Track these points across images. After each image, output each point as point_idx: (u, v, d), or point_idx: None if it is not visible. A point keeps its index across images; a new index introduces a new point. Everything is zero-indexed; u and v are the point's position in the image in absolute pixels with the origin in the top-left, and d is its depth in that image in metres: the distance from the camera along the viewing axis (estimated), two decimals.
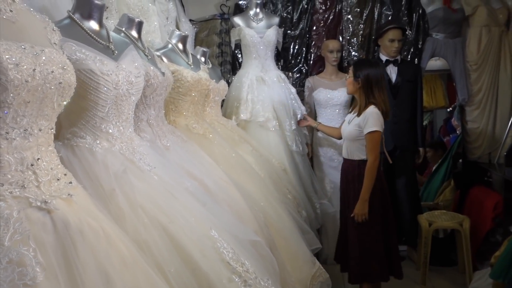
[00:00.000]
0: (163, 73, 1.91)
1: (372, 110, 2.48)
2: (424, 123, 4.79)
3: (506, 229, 3.05)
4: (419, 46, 3.71)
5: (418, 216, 3.37)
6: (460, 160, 3.87)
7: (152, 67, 1.81)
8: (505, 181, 3.08)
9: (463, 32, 3.70)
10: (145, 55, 1.86)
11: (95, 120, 1.42)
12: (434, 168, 4.30)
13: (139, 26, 1.89)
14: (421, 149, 3.54)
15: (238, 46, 3.52)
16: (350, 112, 2.70)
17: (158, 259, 1.30)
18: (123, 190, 1.36)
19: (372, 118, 2.46)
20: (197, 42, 3.59)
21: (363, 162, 2.53)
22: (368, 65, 2.57)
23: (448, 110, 4.65)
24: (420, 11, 3.68)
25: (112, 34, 1.59)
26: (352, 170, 2.57)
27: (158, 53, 2.22)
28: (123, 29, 1.83)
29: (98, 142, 1.41)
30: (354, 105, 2.72)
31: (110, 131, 1.45)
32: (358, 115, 2.53)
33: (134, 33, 1.86)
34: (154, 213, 1.39)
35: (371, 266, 2.48)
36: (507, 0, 3.63)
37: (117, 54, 1.52)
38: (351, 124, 2.57)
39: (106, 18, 2.06)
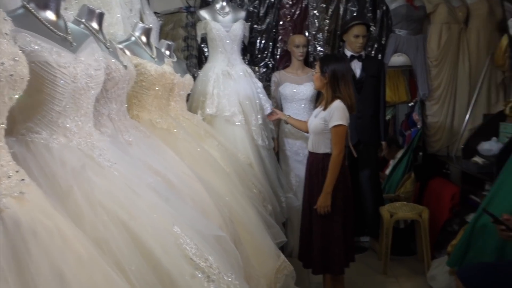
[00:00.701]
0: (125, 66, 1.86)
1: (337, 104, 2.52)
2: (387, 118, 4.91)
3: (462, 218, 3.17)
4: (383, 42, 3.79)
5: (380, 207, 3.46)
6: (421, 153, 3.99)
7: (113, 60, 1.77)
8: (462, 173, 3.20)
9: (425, 29, 3.80)
10: (106, 47, 1.81)
11: (52, 115, 1.37)
12: (395, 161, 4.42)
13: (100, 18, 1.83)
14: (383, 143, 3.62)
15: (204, 40, 3.48)
16: (317, 107, 2.73)
17: (118, 257, 1.27)
18: (81, 187, 1.33)
19: (337, 112, 2.50)
20: (162, 35, 3.52)
21: (327, 156, 2.57)
22: (334, 60, 2.60)
23: (410, 104, 4.78)
24: (384, 8, 3.75)
25: (70, 25, 1.53)
26: (316, 164, 2.61)
27: (120, 46, 2.16)
28: (83, 20, 1.77)
29: (54, 137, 1.36)
30: (321, 99, 2.75)
31: (68, 126, 1.40)
32: (324, 109, 2.57)
33: (94, 24, 1.81)
34: (114, 210, 1.36)
35: (333, 258, 2.54)
36: None
37: (76, 46, 1.47)
38: (317, 118, 2.61)
39: (65, 9, 1.98)
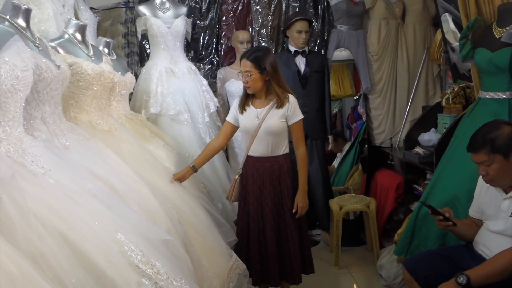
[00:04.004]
0: (58, 66, 1.75)
1: (293, 98, 2.42)
2: (334, 111, 5.03)
3: (407, 207, 3.29)
4: (325, 38, 3.84)
5: (330, 201, 3.52)
6: (366, 146, 4.11)
7: (44, 60, 1.65)
8: (405, 163, 3.32)
9: (365, 24, 3.90)
10: (36, 46, 1.69)
11: None
12: (342, 154, 4.53)
13: (27, 14, 1.70)
14: (330, 137, 3.69)
15: (145, 36, 3.37)
16: (257, 107, 2.43)
17: (57, 271, 1.20)
18: (11, 197, 1.22)
19: (297, 106, 2.42)
20: (101, 32, 3.36)
21: (287, 156, 2.48)
22: (266, 54, 2.39)
23: (355, 98, 4.91)
24: (325, 4, 3.81)
25: None
26: (278, 168, 2.43)
27: (52, 44, 2.04)
28: (7, 17, 1.64)
29: None
30: (258, 99, 2.45)
31: None
32: (280, 106, 2.38)
33: (20, 21, 1.67)
34: (51, 221, 1.27)
35: (309, 260, 2.54)
36: None
37: None
38: (273, 118, 2.38)
39: None
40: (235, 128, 2.54)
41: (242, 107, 2.47)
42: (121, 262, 1.34)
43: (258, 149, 2.45)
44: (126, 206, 1.66)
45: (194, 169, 2.48)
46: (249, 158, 2.50)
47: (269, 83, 2.41)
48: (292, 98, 2.42)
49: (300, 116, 2.42)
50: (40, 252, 1.20)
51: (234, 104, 2.55)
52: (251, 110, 2.45)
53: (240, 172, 2.55)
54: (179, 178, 2.39)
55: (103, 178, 1.75)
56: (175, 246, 1.64)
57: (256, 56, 2.38)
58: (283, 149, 2.47)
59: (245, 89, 2.48)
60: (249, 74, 2.37)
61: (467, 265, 1.89)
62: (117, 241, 1.38)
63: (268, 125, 2.39)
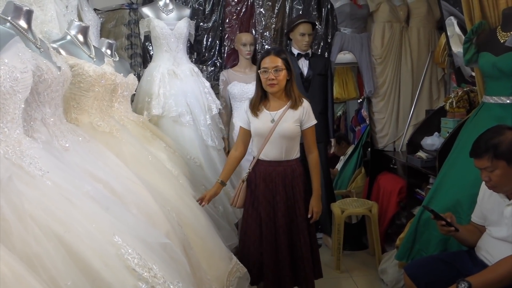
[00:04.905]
0: (59, 68, 1.75)
1: (307, 102, 2.38)
2: (338, 114, 5.01)
3: (409, 212, 3.27)
4: (329, 40, 3.83)
5: (332, 204, 3.50)
6: (369, 149, 4.09)
7: (45, 61, 1.65)
8: (408, 167, 3.30)
9: (368, 27, 3.89)
10: (37, 47, 1.69)
11: None
12: (345, 158, 4.51)
13: (28, 15, 1.70)
14: (332, 140, 3.67)
15: (148, 38, 3.37)
16: (269, 111, 2.36)
17: (52, 273, 1.19)
18: (8, 199, 1.22)
19: (311, 111, 2.38)
20: (104, 33, 3.37)
21: (298, 160, 2.42)
22: (287, 53, 2.41)
23: (359, 101, 4.89)
24: (329, 6, 3.80)
25: None
26: (291, 172, 2.38)
27: (54, 45, 2.04)
28: (9, 18, 1.64)
29: None
30: (268, 102, 2.39)
31: None
32: (295, 108, 2.34)
33: (22, 23, 1.68)
34: (47, 223, 1.27)
35: (318, 264, 2.53)
36: None
37: None
38: (288, 122, 2.32)
39: None
40: (249, 132, 2.46)
41: (256, 109, 2.38)
42: (117, 265, 1.33)
43: (270, 153, 2.37)
44: (124, 209, 1.65)
45: (223, 183, 2.46)
46: (260, 162, 2.41)
47: (290, 83, 2.36)
48: (306, 103, 2.38)
49: (314, 121, 2.39)
50: (35, 254, 1.20)
51: (245, 108, 2.46)
52: (265, 113, 2.37)
53: (247, 177, 2.45)
54: (212, 196, 2.40)
55: (102, 180, 1.75)
56: (173, 250, 1.63)
57: (284, 52, 2.36)
58: (296, 153, 2.41)
59: (259, 90, 2.38)
60: (279, 70, 2.29)
61: (469, 272, 1.87)
62: (114, 244, 1.37)
63: (283, 128, 2.32)
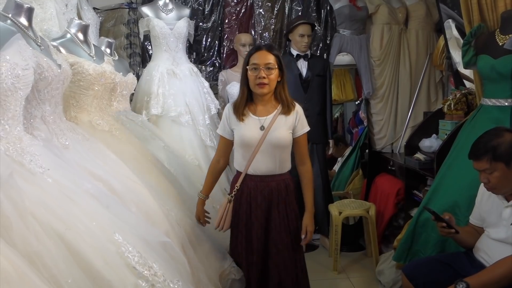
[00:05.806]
0: (59, 65, 1.75)
1: (299, 107, 2.10)
2: (335, 115, 5.03)
3: (407, 213, 3.27)
4: (328, 42, 3.84)
5: (329, 205, 3.51)
6: (367, 151, 4.10)
7: (45, 59, 1.65)
8: (406, 169, 3.31)
9: (367, 29, 3.90)
10: (37, 45, 1.69)
11: None
12: (343, 159, 4.52)
13: (29, 13, 1.70)
14: (331, 141, 3.68)
15: (147, 37, 3.37)
16: (257, 116, 2.05)
17: (53, 271, 1.19)
18: (9, 195, 1.22)
19: (304, 116, 2.09)
20: (103, 32, 3.37)
21: (289, 173, 2.12)
22: (280, 51, 2.28)
23: (357, 103, 4.91)
24: (328, 8, 3.82)
25: None
26: (285, 187, 2.08)
27: (54, 43, 2.04)
28: (10, 15, 1.64)
29: None
30: (254, 106, 2.07)
31: None
32: (287, 113, 2.05)
33: (23, 20, 1.68)
34: (48, 220, 1.27)
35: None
36: (405, 0, 3.89)
37: (0, 43, 1.35)
38: (280, 129, 2.02)
39: None
40: (232, 142, 2.13)
41: (241, 113, 2.04)
42: (118, 263, 1.33)
43: (262, 166, 2.04)
44: (124, 207, 1.66)
45: (206, 198, 2.23)
46: (248, 178, 2.07)
47: (281, 85, 2.05)
48: (298, 107, 2.10)
49: (307, 127, 2.10)
50: (36, 252, 1.20)
51: (226, 113, 2.11)
52: (251, 118, 2.04)
53: (233, 197, 2.11)
54: (203, 214, 2.20)
55: (102, 179, 1.75)
56: (173, 248, 1.63)
57: (276, 49, 2.08)
58: (288, 165, 2.11)
59: (245, 92, 2.05)
60: (271, 68, 1.98)
61: (466, 273, 1.87)
62: (114, 242, 1.37)
63: (275, 137, 2.01)
